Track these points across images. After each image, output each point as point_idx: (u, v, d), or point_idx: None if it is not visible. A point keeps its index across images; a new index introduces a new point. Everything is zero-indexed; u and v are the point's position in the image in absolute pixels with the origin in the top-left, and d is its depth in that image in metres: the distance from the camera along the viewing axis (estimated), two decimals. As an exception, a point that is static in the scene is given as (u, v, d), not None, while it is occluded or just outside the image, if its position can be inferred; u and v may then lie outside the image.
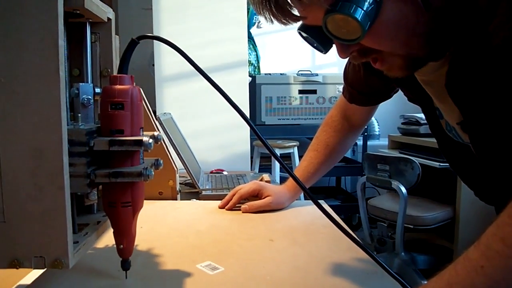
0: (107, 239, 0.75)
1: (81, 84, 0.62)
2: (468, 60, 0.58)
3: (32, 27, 0.48)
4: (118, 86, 0.58)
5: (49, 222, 0.50)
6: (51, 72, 0.48)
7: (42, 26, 0.48)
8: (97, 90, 0.63)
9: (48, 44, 0.48)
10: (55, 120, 0.48)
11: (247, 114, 2.07)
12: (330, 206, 0.93)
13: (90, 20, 0.63)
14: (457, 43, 0.59)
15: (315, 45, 0.63)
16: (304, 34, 0.62)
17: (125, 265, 0.65)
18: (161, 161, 0.64)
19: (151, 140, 0.57)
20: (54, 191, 0.49)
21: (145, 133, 0.62)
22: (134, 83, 0.61)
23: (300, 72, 3.35)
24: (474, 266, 0.50)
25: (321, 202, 1.19)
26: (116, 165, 0.59)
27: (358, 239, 0.67)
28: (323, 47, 0.62)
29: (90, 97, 0.62)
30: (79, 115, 0.58)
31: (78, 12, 0.57)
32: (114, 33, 0.70)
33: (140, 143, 0.57)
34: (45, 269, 0.58)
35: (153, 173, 0.58)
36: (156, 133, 0.63)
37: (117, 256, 0.65)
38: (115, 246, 0.64)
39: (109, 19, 0.67)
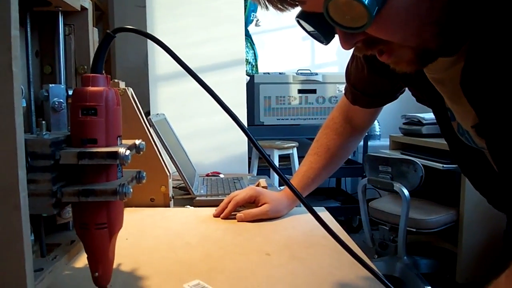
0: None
1: (51, 85, 0.54)
2: (488, 55, 0.51)
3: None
4: (90, 88, 0.50)
5: (2, 250, 0.41)
6: (1, 69, 0.39)
7: (-9, 13, 0.39)
8: (71, 92, 0.55)
9: (-1, 35, 0.40)
10: (7, 127, 0.40)
11: (245, 114, 2.01)
12: (330, 207, 0.85)
13: (60, 9, 0.55)
14: (475, 36, 0.52)
15: (315, 35, 0.56)
16: (303, 23, 0.55)
17: (102, 294, 0.56)
18: (144, 174, 0.55)
19: (128, 152, 0.48)
20: (8, 211, 0.41)
21: (126, 141, 0.54)
22: (109, 84, 0.52)
23: (299, 71, 3.30)
24: None
25: (320, 208, 1.12)
26: (88, 180, 0.50)
27: (358, 255, 0.62)
28: (324, 37, 0.55)
29: (62, 100, 0.54)
30: (43, 122, 0.49)
31: (43, -2, 0.49)
32: (92, 24, 0.62)
33: (114, 155, 0.48)
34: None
35: (131, 190, 0.49)
36: (138, 142, 0.54)
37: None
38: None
39: (84, 8, 0.59)
